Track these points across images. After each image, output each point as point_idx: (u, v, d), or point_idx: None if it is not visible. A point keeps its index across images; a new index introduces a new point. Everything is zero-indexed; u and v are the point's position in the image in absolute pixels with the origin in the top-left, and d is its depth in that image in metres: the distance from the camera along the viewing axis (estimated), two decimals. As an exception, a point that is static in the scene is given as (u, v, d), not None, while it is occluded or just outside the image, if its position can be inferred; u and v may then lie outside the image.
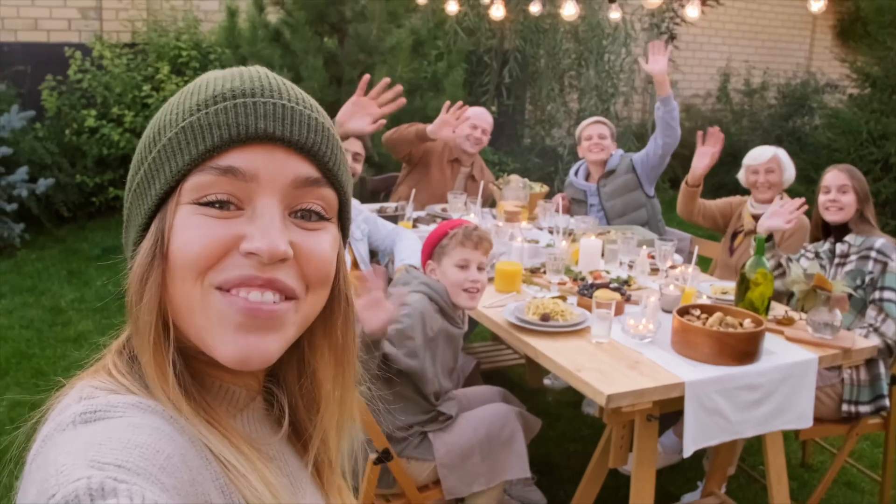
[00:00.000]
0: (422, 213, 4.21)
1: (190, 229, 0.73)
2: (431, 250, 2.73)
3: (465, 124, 4.47)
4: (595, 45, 8.07)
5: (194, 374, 0.77)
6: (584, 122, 4.44)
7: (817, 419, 3.12)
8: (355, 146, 3.29)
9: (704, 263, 4.60)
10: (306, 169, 0.76)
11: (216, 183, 0.73)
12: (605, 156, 4.31)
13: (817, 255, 3.33)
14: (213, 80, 0.77)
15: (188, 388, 0.75)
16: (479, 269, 2.69)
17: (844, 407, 3.11)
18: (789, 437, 3.58)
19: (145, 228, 0.76)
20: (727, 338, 2.48)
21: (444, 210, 4.21)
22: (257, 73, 0.78)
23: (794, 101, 9.64)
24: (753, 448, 3.74)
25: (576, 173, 4.53)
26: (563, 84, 8.39)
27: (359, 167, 3.33)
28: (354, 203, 3.59)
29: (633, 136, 9.00)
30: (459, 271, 2.66)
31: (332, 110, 6.22)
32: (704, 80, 10.52)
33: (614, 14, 5.53)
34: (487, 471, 2.65)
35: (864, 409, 3.10)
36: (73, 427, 0.66)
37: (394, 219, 3.93)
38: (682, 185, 4.10)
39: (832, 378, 3.12)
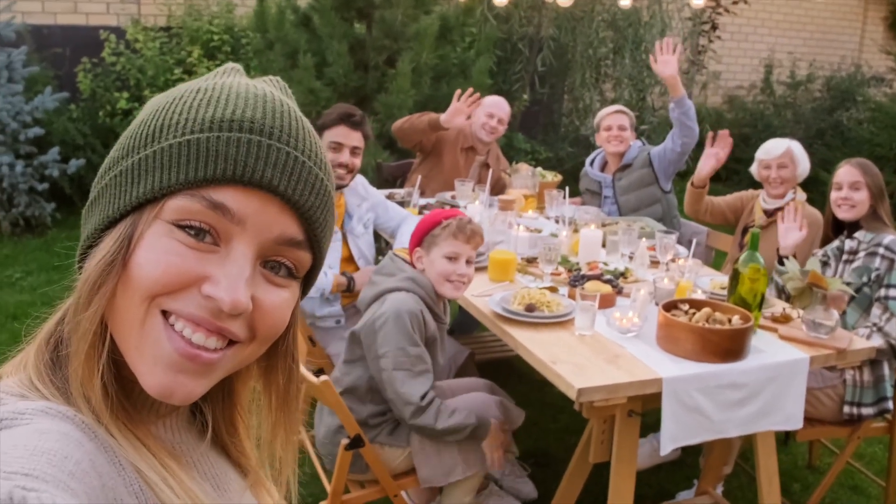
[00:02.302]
0: (430, 201, 4.17)
1: (158, 251, 0.70)
2: (421, 238, 2.69)
3: (480, 114, 4.43)
4: (632, 33, 7.94)
5: (119, 379, 0.75)
6: (605, 111, 4.34)
7: (818, 420, 3.05)
8: (355, 140, 3.26)
9: (722, 258, 4.50)
10: (294, 229, 0.75)
11: (202, 213, 0.70)
12: (624, 148, 4.23)
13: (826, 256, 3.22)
14: (235, 96, 0.74)
15: (113, 394, 0.73)
16: (468, 262, 2.65)
17: (846, 409, 3.01)
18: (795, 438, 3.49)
19: (112, 223, 0.73)
20: (710, 334, 2.41)
21: (453, 198, 4.17)
22: (281, 108, 0.75)
23: (838, 93, 9.38)
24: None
25: (591, 163, 4.45)
26: (598, 73, 8.27)
27: (358, 161, 3.30)
28: (363, 190, 3.57)
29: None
30: (448, 263, 2.62)
31: (357, 95, 6.24)
32: (748, 71, 10.29)
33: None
34: (464, 460, 2.61)
35: (866, 411, 3.00)
36: None
37: (401, 206, 3.90)
38: (688, 185, 4.01)
39: (833, 379, 3.02)
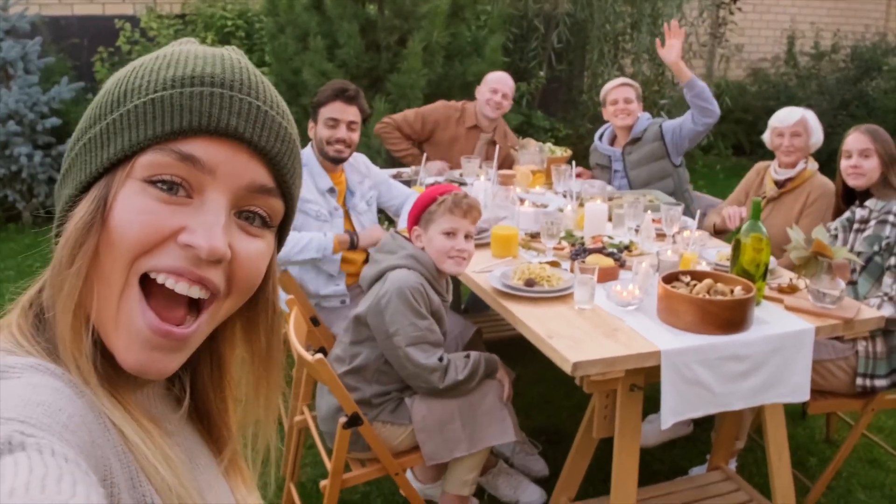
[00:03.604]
0: (439, 179, 4.14)
1: (133, 210, 0.71)
2: (418, 216, 2.66)
3: (485, 90, 4.39)
4: (649, 7, 7.82)
5: (101, 346, 0.75)
6: (609, 85, 4.28)
7: (830, 393, 3.00)
8: (351, 115, 3.23)
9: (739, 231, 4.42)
10: (263, 176, 0.76)
11: (173, 166, 0.71)
12: (632, 121, 4.16)
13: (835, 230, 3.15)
14: (194, 57, 0.75)
15: (97, 358, 0.73)
16: (467, 237, 2.63)
17: (859, 381, 2.95)
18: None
19: (86, 188, 0.74)
20: (710, 305, 2.36)
21: (461, 175, 4.14)
22: (239, 64, 0.77)
23: (863, 63, 9.19)
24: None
25: (600, 137, 4.39)
26: (616, 48, 8.17)
27: (355, 136, 3.27)
28: (364, 168, 3.55)
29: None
30: (446, 239, 2.59)
31: (369, 76, 6.22)
32: (771, 43, 10.11)
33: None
34: (468, 436, 2.59)
35: (880, 383, 2.94)
36: None
37: (408, 184, 3.88)
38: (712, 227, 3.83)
39: (846, 350, 2.96)
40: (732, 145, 9.30)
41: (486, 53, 6.30)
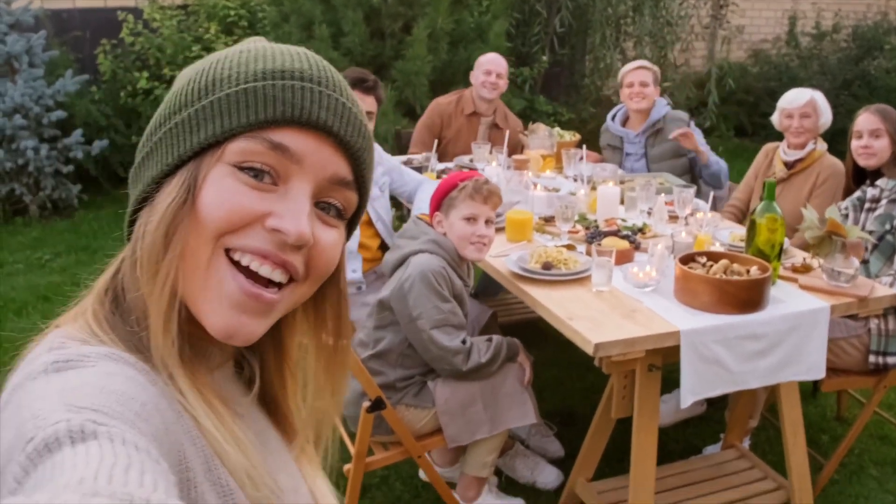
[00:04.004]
0: (449, 165, 4.17)
1: (223, 190, 0.74)
2: (440, 201, 2.69)
3: (479, 74, 4.41)
4: (652, -11, 7.82)
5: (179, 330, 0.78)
6: (626, 67, 4.26)
7: (843, 370, 3.03)
8: (368, 104, 3.26)
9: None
10: (345, 169, 0.79)
11: (263, 154, 0.74)
12: (647, 105, 4.14)
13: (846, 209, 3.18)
14: (280, 53, 0.78)
15: (179, 343, 0.75)
16: (488, 223, 2.66)
17: (871, 358, 2.99)
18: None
19: (171, 172, 0.76)
20: (727, 285, 2.39)
21: (471, 161, 4.16)
22: (321, 62, 0.80)
23: (865, 42, 9.19)
24: (784, 401, 3.63)
25: (613, 118, 4.38)
26: (618, 31, 8.17)
27: (371, 125, 3.31)
28: (377, 156, 3.57)
29: (693, 86, 8.73)
30: (467, 224, 2.62)
31: (374, 64, 6.23)
32: (772, 24, 10.10)
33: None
34: (490, 419, 2.64)
35: (892, 360, 2.97)
36: (44, 375, 0.66)
37: (419, 170, 3.90)
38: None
39: (858, 328, 2.99)
40: (734, 126, 9.31)
41: (489, 39, 6.31)
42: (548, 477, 3.10)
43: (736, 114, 9.31)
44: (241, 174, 0.74)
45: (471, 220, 2.61)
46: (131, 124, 6.91)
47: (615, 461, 3.11)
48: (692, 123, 4.12)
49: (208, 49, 6.79)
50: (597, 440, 2.87)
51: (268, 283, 0.77)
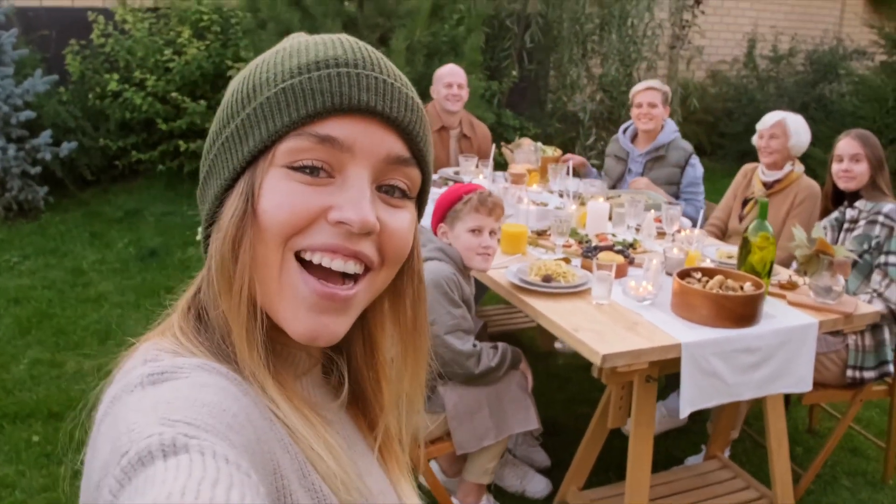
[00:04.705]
0: (434, 177, 4.22)
1: (280, 194, 0.73)
2: (444, 213, 2.75)
3: (439, 87, 4.47)
4: (618, 9, 7.98)
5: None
6: (637, 87, 4.29)
7: (821, 384, 3.15)
8: None
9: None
10: (399, 147, 0.77)
11: (312, 149, 0.73)
12: (654, 125, 4.19)
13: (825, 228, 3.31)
14: (314, 44, 0.77)
15: (265, 352, 0.76)
16: (492, 234, 2.73)
17: (849, 373, 3.12)
18: (797, 402, 3.60)
19: (230, 186, 0.76)
20: (725, 300, 2.49)
21: (456, 173, 4.22)
22: (357, 45, 0.78)
23: (821, 67, 9.48)
24: (760, 413, 3.74)
25: (624, 131, 4.43)
26: (585, 49, 8.31)
27: None
28: None
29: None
30: (472, 236, 2.69)
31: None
32: (731, 45, 10.36)
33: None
34: (496, 425, 2.71)
35: (868, 374, 3.11)
36: (140, 388, 0.68)
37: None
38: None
39: (837, 344, 3.12)
40: (694, 146, 9.50)
41: (464, 52, 6.38)
42: (537, 486, 3.16)
43: (695, 133, 9.51)
44: (294, 174, 0.74)
45: (476, 231, 2.67)
46: (99, 126, 6.84)
47: (601, 471, 3.18)
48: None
49: (180, 53, 6.76)
50: (590, 449, 2.94)
51: (343, 278, 0.76)
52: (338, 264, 0.75)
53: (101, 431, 0.66)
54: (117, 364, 0.76)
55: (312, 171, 0.74)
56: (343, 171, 0.74)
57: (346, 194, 0.74)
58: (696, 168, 4.19)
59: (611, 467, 3.20)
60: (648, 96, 4.20)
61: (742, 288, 2.58)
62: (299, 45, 0.78)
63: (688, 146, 4.27)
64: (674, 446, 3.57)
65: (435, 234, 2.76)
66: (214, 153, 0.79)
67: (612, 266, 2.68)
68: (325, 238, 0.74)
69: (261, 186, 0.74)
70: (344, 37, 0.80)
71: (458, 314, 2.60)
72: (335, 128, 0.74)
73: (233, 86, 0.80)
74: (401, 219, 0.79)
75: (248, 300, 0.75)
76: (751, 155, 7.12)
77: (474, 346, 2.65)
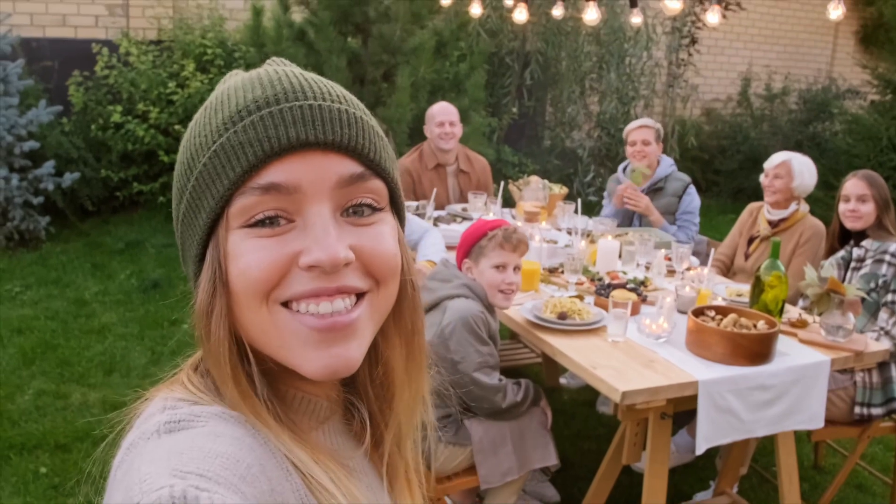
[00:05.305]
0: (442, 213, 4.26)
1: (245, 255, 0.72)
2: (469, 248, 2.78)
3: (432, 127, 4.51)
4: (616, 48, 8.11)
5: (275, 391, 0.77)
6: (630, 126, 4.39)
7: (830, 421, 3.17)
8: None
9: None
10: (348, 165, 0.74)
11: (260, 202, 0.71)
12: (649, 163, 4.28)
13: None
14: (235, 90, 0.75)
15: (271, 407, 0.75)
16: (516, 270, 2.76)
17: (857, 409, 3.15)
18: (802, 439, 3.62)
19: (201, 258, 0.75)
20: (741, 338, 2.53)
21: (464, 210, 4.26)
22: (277, 76, 0.75)
23: (814, 106, 9.63)
24: (766, 449, 3.78)
25: (623, 170, 4.51)
26: (583, 86, 8.43)
27: None
28: None
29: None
30: (497, 272, 2.72)
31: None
32: (725, 84, 10.52)
33: (636, 19, 5.54)
34: (518, 460, 2.73)
35: (876, 411, 3.14)
36: (156, 436, 0.68)
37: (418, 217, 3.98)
38: None
39: (845, 381, 3.16)
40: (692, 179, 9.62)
41: (468, 89, 6.46)
42: (548, 521, 3.17)
43: (690, 170, 9.62)
44: (253, 230, 0.72)
45: (500, 268, 2.71)
46: (101, 158, 6.87)
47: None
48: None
49: (183, 86, 6.81)
50: (603, 485, 2.96)
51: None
52: (325, 307, 0.73)
53: (116, 478, 0.67)
54: (133, 411, 0.77)
55: (271, 221, 0.72)
56: (301, 211, 0.72)
57: (310, 235, 0.72)
58: (694, 197, 4.27)
59: (620, 503, 3.21)
60: (642, 134, 4.29)
61: (755, 326, 2.62)
62: (222, 96, 0.76)
63: (685, 177, 4.37)
64: (682, 482, 3.58)
65: (460, 268, 2.79)
66: (181, 231, 0.79)
67: (628, 304, 2.71)
68: (303, 285, 0.72)
69: (226, 254, 0.73)
70: (269, 69, 0.78)
71: (485, 351, 2.64)
72: (275, 173, 0.71)
73: (179, 156, 0.79)
74: (377, 234, 0.76)
75: (235, 370, 0.74)
76: (745, 192, 7.24)
77: (500, 380, 2.67)
